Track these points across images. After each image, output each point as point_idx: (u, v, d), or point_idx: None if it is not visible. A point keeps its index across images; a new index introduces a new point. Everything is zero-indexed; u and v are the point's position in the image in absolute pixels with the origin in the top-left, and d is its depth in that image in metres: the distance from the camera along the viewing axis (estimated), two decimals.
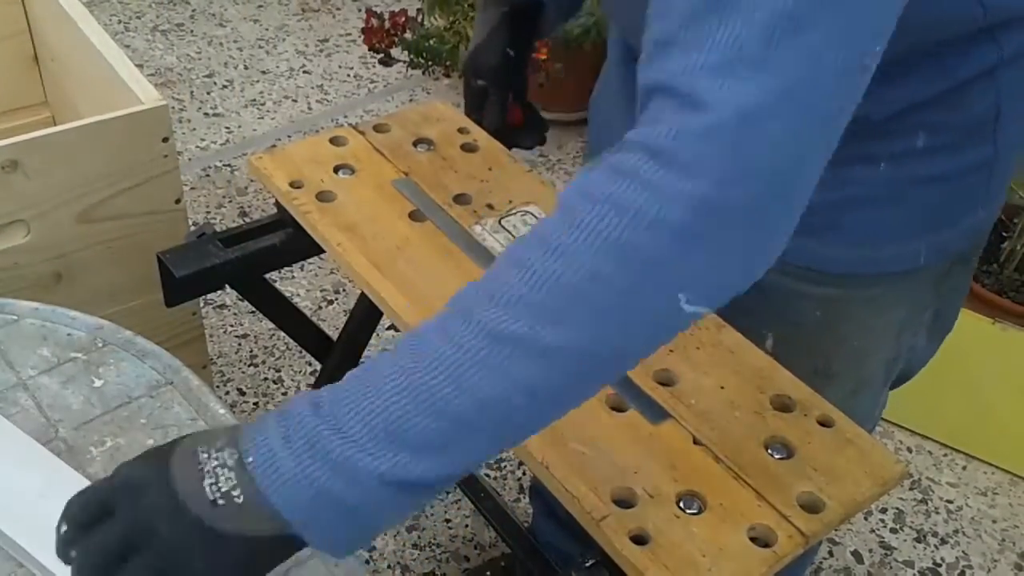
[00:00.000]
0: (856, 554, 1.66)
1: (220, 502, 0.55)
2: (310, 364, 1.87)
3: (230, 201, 2.22)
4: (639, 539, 0.73)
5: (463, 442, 0.55)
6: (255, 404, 1.80)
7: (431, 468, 0.55)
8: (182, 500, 0.55)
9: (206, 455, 0.56)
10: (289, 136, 2.44)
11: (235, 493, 0.55)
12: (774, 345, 0.93)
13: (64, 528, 0.58)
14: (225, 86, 2.60)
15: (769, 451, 0.80)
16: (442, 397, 0.54)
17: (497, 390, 0.54)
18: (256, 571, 0.57)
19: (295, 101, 2.56)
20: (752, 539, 0.74)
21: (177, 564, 0.55)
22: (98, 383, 0.82)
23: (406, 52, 2.27)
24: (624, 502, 0.75)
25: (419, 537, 1.61)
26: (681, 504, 0.75)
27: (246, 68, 2.67)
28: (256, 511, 0.54)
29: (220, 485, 0.55)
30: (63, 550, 0.58)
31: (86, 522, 0.58)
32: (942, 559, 1.66)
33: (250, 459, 0.55)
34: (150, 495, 0.56)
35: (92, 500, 0.58)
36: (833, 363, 0.94)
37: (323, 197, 1.02)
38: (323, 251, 1.02)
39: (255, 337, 1.92)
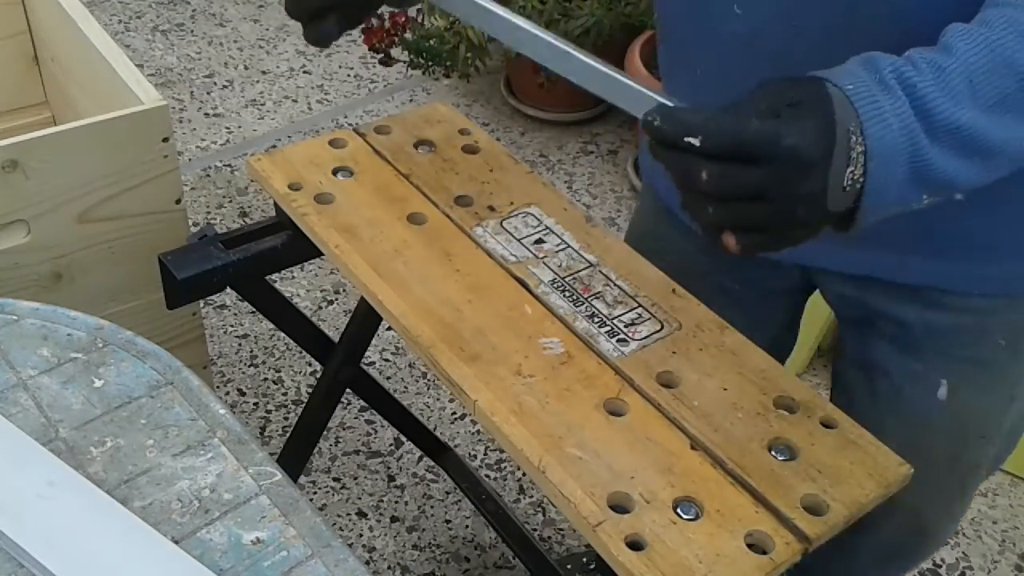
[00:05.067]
0: None
1: (847, 190, 0.61)
2: (310, 364, 1.87)
3: (230, 201, 2.22)
4: (635, 544, 0.73)
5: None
6: (255, 404, 1.79)
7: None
8: (827, 185, 0.60)
9: (855, 138, 0.60)
10: (289, 136, 2.44)
11: (858, 185, 0.62)
12: (949, 392, 0.92)
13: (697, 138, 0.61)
14: (225, 86, 2.60)
15: (772, 452, 0.80)
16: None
17: None
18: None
19: (295, 101, 2.56)
20: (749, 545, 0.73)
21: (787, 228, 0.62)
22: (98, 383, 0.81)
23: (406, 52, 2.27)
24: (620, 507, 0.75)
25: (419, 538, 1.61)
26: (678, 510, 0.75)
27: (246, 68, 2.67)
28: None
29: (855, 176, 0.61)
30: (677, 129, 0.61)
31: (725, 155, 0.60)
32: (942, 560, 1.65)
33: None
34: (809, 180, 0.60)
35: (741, 140, 0.60)
36: (1018, 387, 0.94)
37: (321, 199, 1.02)
38: (323, 253, 1.02)
39: (255, 337, 1.92)
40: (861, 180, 0.61)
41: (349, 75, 2.68)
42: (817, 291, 1.04)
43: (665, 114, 0.62)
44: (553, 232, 1.00)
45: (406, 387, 1.86)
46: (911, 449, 0.91)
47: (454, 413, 1.82)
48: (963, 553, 1.67)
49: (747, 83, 0.65)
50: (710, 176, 0.60)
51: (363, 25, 0.90)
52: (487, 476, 1.70)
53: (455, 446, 1.70)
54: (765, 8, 0.78)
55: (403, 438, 1.67)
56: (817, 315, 1.78)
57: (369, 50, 2.29)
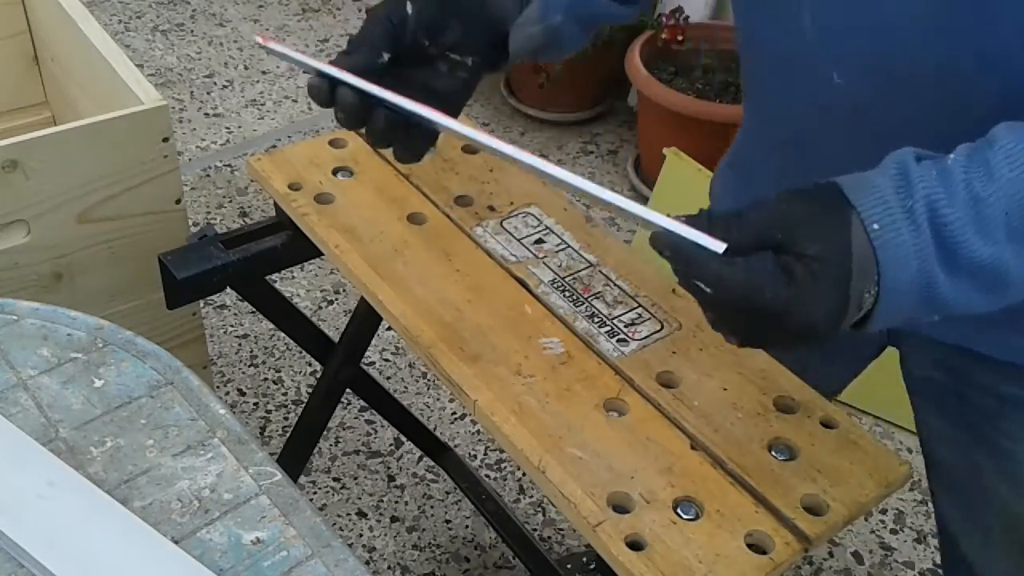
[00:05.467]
0: (856, 555, 1.66)
1: (852, 319, 0.60)
2: (310, 364, 1.87)
3: (230, 201, 2.22)
4: (635, 544, 0.73)
5: None
6: (255, 404, 1.79)
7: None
8: (837, 319, 0.59)
9: (868, 294, 0.59)
10: (289, 136, 2.44)
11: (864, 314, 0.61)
12: None
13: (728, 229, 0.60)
14: (225, 86, 2.60)
15: (772, 452, 0.80)
16: None
17: None
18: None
19: (295, 101, 2.55)
20: (749, 546, 0.73)
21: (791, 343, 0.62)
22: (98, 383, 0.81)
23: None
24: (621, 507, 0.75)
25: (419, 538, 1.61)
26: (678, 510, 0.75)
27: (246, 68, 2.67)
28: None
29: (861, 315, 0.61)
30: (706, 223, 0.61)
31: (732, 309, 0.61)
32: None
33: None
34: (813, 342, 0.60)
35: (751, 306, 0.59)
36: None
37: (321, 199, 1.02)
38: (323, 253, 1.02)
39: (255, 337, 1.92)
40: (869, 312, 0.60)
41: None
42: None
43: (676, 251, 0.61)
44: (553, 232, 1.00)
45: (406, 387, 1.86)
46: (1009, 537, 0.86)
47: (454, 413, 1.82)
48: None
49: (847, 160, 0.63)
50: (715, 314, 0.62)
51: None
52: (487, 476, 1.70)
53: (455, 446, 1.69)
54: (867, 79, 0.72)
55: (403, 438, 1.67)
56: None
57: None
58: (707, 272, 0.60)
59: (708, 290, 0.60)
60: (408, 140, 0.76)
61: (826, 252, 0.59)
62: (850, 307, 0.59)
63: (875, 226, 0.59)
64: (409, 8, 0.74)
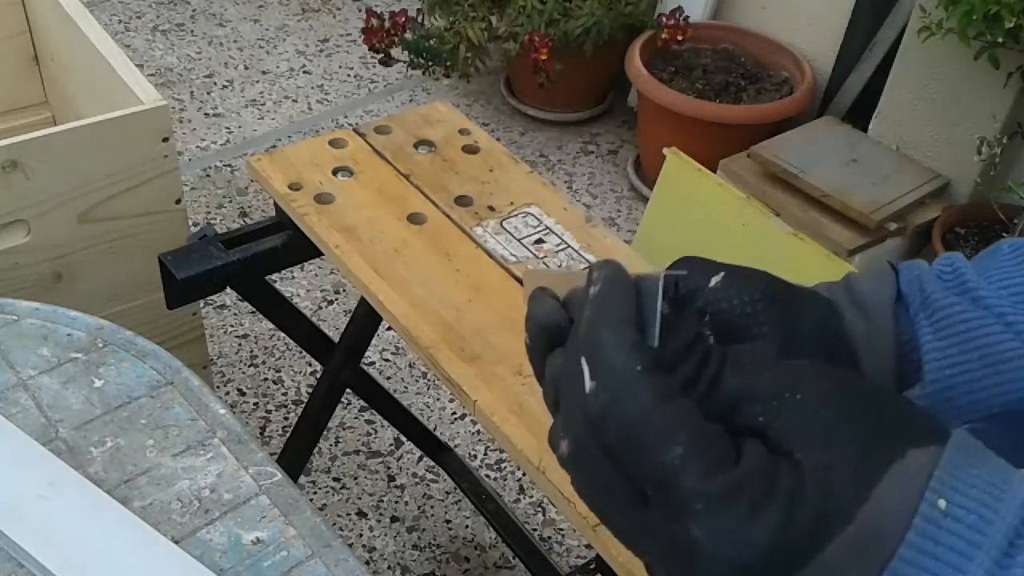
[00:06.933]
0: None
1: None
2: (310, 364, 1.87)
3: (230, 201, 2.22)
4: None
5: None
6: (255, 404, 1.79)
7: None
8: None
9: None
10: (289, 136, 2.44)
11: None
12: None
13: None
14: (225, 86, 2.60)
15: None
16: None
17: None
18: None
19: (295, 101, 2.56)
20: None
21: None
22: (98, 383, 0.81)
23: (406, 52, 2.27)
24: None
25: (419, 538, 1.61)
26: None
27: (246, 68, 2.67)
28: None
29: None
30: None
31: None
32: None
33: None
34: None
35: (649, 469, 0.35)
36: None
37: (321, 199, 1.02)
38: (323, 253, 1.02)
39: (255, 337, 1.92)
40: None
41: (349, 75, 2.68)
42: None
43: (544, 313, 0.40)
44: (553, 232, 1.01)
45: (406, 387, 1.86)
46: None
47: (454, 413, 1.82)
48: None
49: None
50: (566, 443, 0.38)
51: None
52: (487, 476, 1.70)
53: (455, 446, 1.70)
54: None
55: (403, 438, 1.67)
56: None
57: (369, 50, 2.29)
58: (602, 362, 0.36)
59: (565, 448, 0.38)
60: None
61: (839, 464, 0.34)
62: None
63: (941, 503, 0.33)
64: (715, 282, 0.44)
